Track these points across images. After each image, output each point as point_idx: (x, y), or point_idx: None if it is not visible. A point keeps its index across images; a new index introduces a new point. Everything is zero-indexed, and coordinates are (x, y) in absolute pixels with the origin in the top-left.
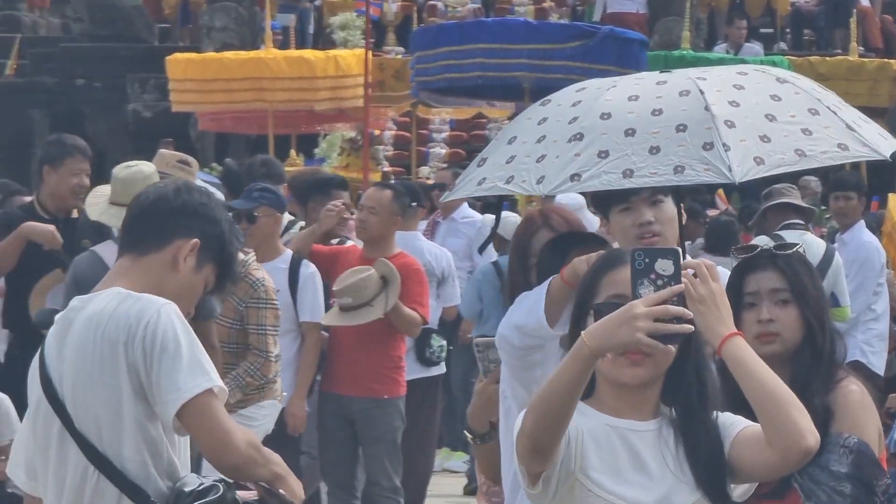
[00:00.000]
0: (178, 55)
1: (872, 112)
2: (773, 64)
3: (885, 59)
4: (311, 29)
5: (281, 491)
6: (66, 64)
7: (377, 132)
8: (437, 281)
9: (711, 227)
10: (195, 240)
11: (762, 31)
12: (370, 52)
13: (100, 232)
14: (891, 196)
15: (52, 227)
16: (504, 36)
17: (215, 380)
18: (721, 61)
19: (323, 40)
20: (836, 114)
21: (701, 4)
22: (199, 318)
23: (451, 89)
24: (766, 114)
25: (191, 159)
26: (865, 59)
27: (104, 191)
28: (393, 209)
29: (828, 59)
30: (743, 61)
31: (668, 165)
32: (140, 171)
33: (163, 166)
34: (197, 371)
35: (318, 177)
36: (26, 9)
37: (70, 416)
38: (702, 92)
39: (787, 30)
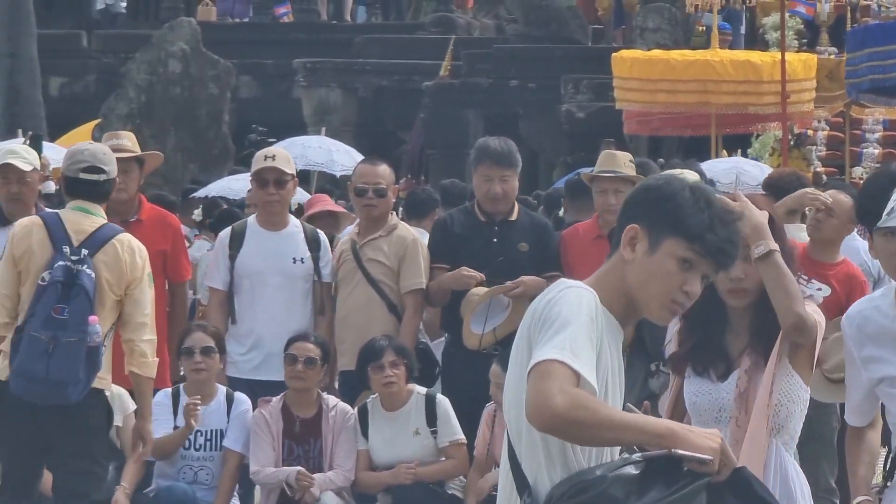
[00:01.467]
0: (624, 53)
1: None
2: None
3: None
4: (742, 30)
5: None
6: (500, 65)
7: (810, 132)
8: (873, 281)
9: None
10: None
11: None
12: (798, 53)
13: None
14: None
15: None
16: None
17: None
18: None
19: (756, 40)
20: None
21: None
22: None
23: (878, 89)
24: None
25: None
26: None
27: None
28: (851, 216)
29: None
30: None
31: None
32: None
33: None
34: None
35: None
36: (460, 10)
37: None
38: None
39: None
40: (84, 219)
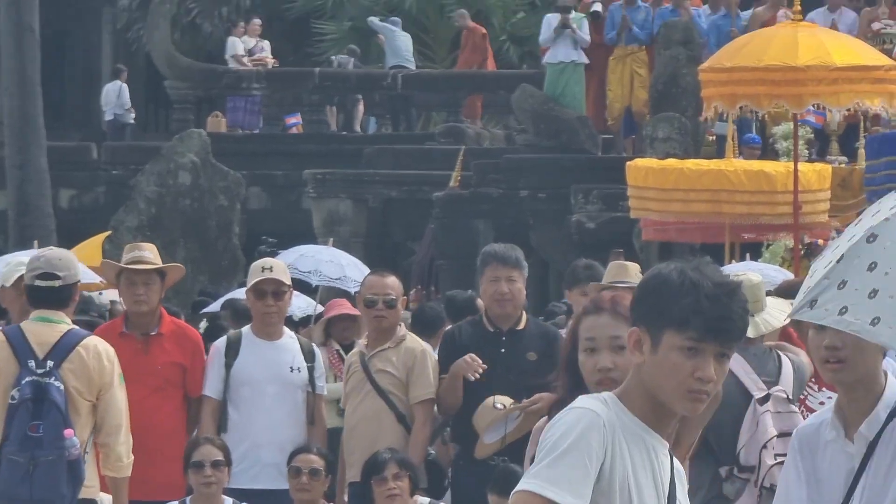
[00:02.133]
0: (638, 161)
1: None
2: None
3: None
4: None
5: None
6: (509, 175)
7: (821, 242)
8: None
9: None
10: None
11: None
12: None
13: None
14: None
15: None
16: None
17: None
18: None
19: (766, 149)
20: None
21: None
22: None
23: None
24: None
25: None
26: None
27: None
28: None
29: None
30: None
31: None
32: None
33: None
34: None
35: None
36: (469, 121)
37: None
38: None
39: None
40: (46, 328)
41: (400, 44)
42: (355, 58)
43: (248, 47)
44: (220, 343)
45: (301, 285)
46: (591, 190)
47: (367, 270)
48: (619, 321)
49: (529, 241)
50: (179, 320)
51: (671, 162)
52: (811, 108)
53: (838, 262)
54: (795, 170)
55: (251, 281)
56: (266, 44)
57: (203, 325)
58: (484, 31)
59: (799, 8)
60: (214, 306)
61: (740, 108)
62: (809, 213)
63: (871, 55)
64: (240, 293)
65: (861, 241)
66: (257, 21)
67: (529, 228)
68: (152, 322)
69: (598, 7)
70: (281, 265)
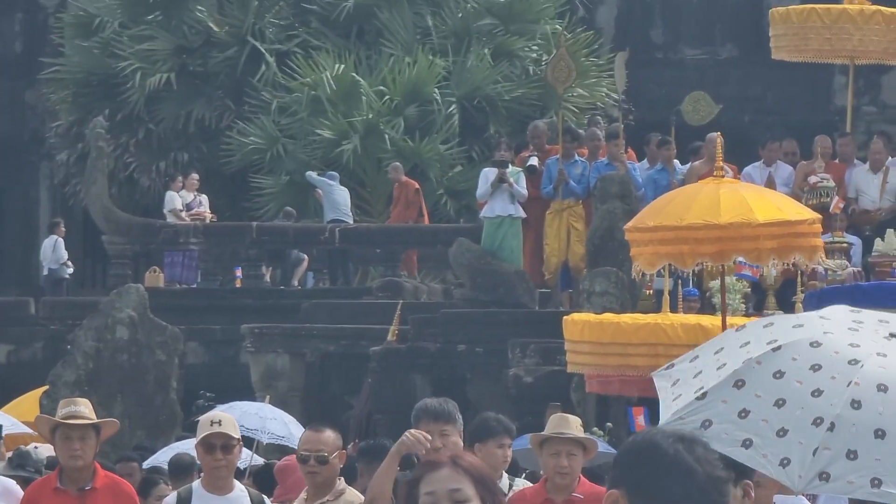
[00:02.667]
0: (575, 316)
1: None
2: None
3: None
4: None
5: None
6: (447, 329)
7: None
8: None
9: None
10: None
11: None
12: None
13: None
14: None
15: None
16: (880, 299)
17: None
18: None
19: (703, 304)
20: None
21: None
22: None
23: None
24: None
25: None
26: None
27: None
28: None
29: None
30: None
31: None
32: None
33: None
34: None
35: None
36: (406, 274)
37: None
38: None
39: None
40: None
41: (338, 198)
42: (292, 220)
43: (185, 202)
44: (171, 499)
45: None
46: (528, 344)
47: (297, 428)
48: (458, 474)
49: (467, 395)
50: (113, 475)
51: (608, 316)
52: (741, 261)
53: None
54: (724, 324)
55: (200, 434)
56: (204, 198)
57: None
58: (417, 185)
59: (721, 164)
60: (151, 461)
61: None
62: None
63: (793, 209)
64: (177, 447)
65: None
66: (195, 176)
67: (467, 382)
68: (87, 477)
69: (534, 161)
70: (230, 419)
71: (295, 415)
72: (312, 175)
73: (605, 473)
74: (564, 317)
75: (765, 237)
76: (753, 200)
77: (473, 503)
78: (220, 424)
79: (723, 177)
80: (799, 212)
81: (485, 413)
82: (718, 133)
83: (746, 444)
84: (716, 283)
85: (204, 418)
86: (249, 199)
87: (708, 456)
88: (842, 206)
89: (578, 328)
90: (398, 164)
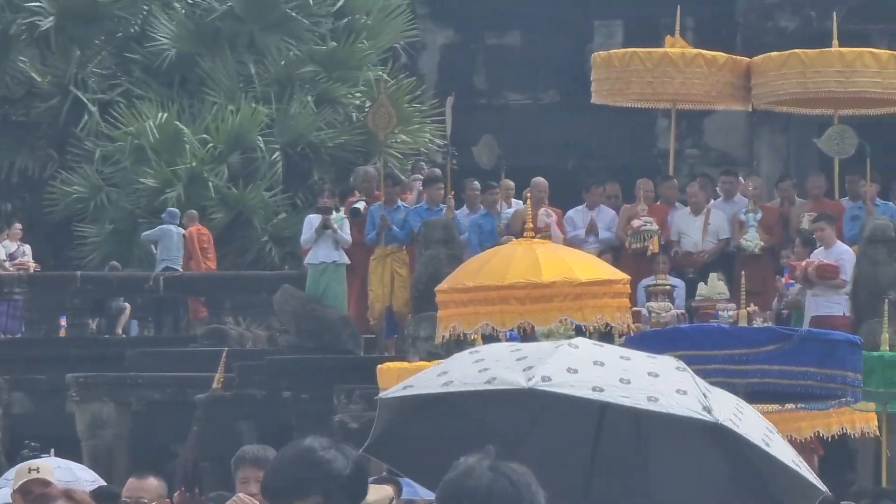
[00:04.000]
0: (389, 364)
1: None
2: None
3: None
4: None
5: None
6: (272, 376)
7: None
8: None
9: None
10: None
11: None
12: None
13: None
14: None
15: None
16: (700, 342)
17: None
18: None
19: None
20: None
21: None
22: None
23: None
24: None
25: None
26: None
27: None
28: None
29: None
30: None
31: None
32: None
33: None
34: None
35: None
36: (232, 322)
37: None
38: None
39: None
40: None
41: (170, 244)
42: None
43: (9, 252)
44: None
45: None
46: (353, 390)
47: (89, 475)
48: None
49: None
50: None
51: (423, 364)
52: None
53: None
54: None
55: (17, 483)
56: (27, 248)
57: None
58: (208, 233)
59: (531, 225)
60: None
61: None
62: None
63: (608, 270)
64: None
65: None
66: (18, 225)
67: (293, 429)
68: None
69: (360, 205)
70: (47, 466)
71: (121, 463)
72: (147, 235)
73: None
74: (379, 366)
75: (587, 295)
76: (571, 260)
77: None
78: (37, 472)
79: (533, 237)
80: (612, 272)
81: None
82: (529, 190)
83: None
84: (542, 329)
85: (21, 466)
86: (74, 248)
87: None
88: (659, 245)
89: (394, 376)
90: (192, 211)
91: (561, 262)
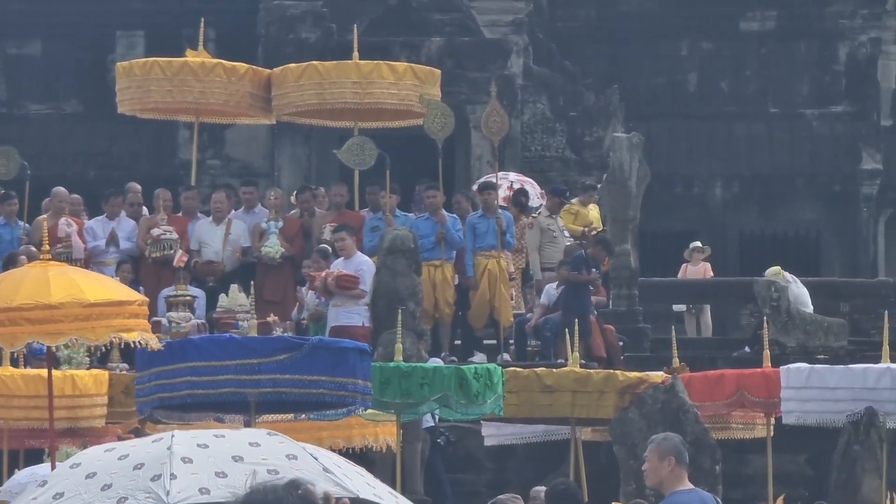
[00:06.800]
0: None
1: (598, 422)
2: (489, 372)
3: (610, 371)
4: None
5: None
6: None
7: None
8: None
9: None
10: None
11: (486, 342)
12: (91, 370)
13: None
14: None
15: None
16: (212, 353)
17: None
18: (436, 371)
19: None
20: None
21: (425, 317)
22: None
23: (167, 407)
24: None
25: None
26: (591, 371)
27: None
28: None
29: (554, 370)
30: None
31: (112, 499)
32: None
33: None
34: None
35: None
36: None
37: None
38: (172, 437)
39: (511, 341)
40: None
41: None
42: None
43: None
44: None
45: None
46: None
47: None
48: None
49: None
50: None
51: None
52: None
53: None
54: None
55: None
56: None
57: None
58: None
59: (48, 247)
60: None
61: None
62: (87, 416)
63: (123, 291)
64: None
65: None
66: None
67: None
68: None
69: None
70: None
71: None
72: None
73: None
74: None
75: (98, 316)
76: (83, 282)
77: None
78: None
79: (49, 260)
80: (128, 293)
81: None
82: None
83: None
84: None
85: None
86: None
87: None
88: (185, 259)
89: None
90: None
91: (72, 283)
